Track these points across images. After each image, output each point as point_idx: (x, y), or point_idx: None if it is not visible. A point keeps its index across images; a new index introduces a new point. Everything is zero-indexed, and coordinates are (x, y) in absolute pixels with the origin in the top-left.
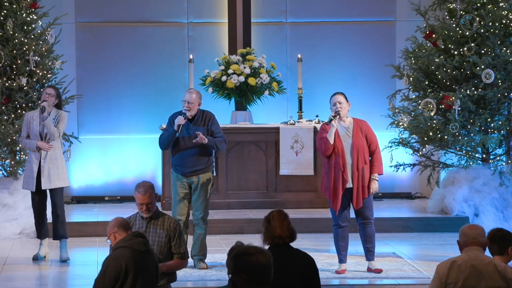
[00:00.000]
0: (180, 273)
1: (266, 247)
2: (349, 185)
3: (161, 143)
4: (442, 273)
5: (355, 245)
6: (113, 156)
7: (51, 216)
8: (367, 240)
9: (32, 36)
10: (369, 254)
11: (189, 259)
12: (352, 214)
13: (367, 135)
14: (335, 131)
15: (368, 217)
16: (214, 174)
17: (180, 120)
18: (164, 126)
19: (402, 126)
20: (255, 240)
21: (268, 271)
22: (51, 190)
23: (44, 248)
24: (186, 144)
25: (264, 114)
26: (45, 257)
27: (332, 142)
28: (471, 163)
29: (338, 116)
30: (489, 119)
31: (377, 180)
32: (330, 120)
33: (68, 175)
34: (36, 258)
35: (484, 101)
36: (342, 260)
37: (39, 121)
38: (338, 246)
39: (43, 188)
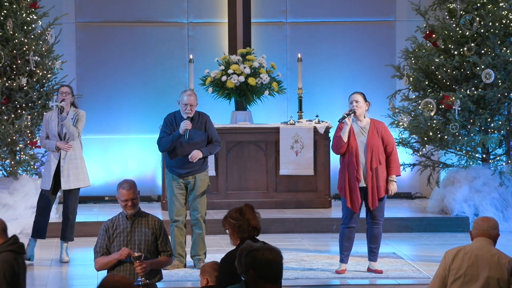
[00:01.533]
0: (180, 273)
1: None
2: (361, 184)
3: (164, 146)
4: (447, 259)
5: (355, 246)
6: (113, 156)
7: (62, 217)
8: (372, 241)
9: (32, 36)
10: (372, 254)
11: (189, 259)
12: (362, 214)
13: (383, 136)
14: (351, 130)
15: (377, 217)
16: (214, 174)
17: (187, 125)
18: None
19: (402, 126)
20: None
21: (275, 268)
22: (66, 191)
23: (31, 249)
24: (183, 146)
25: (264, 114)
26: (29, 259)
27: (345, 140)
28: (471, 163)
29: (352, 114)
30: (489, 119)
31: (395, 182)
32: (343, 118)
33: (88, 175)
34: (28, 259)
35: (484, 101)
36: (343, 260)
37: (58, 121)
38: (342, 245)
39: (62, 188)
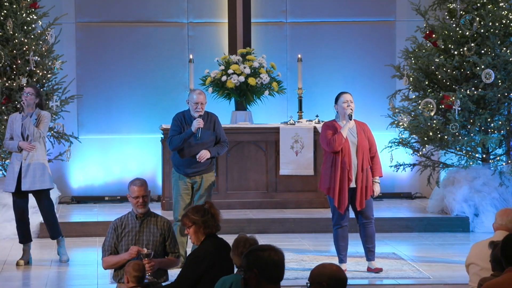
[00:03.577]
0: None
1: (201, 238)
2: (352, 185)
3: (175, 144)
4: (470, 252)
5: (355, 245)
6: (113, 156)
7: (43, 219)
8: (367, 240)
9: (32, 36)
10: (370, 254)
11: None
12: (351, 215)
13: (369, 137)
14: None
15: (369, 217)
16: (215, 174)
17: (200, 123)
18: (164, 126)
19: (402, 126)
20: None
21: (279, 269)
22: (35, 194)
23: (27, 254)
24: (191, 146)
25: (264, 114)
26: (28, 262)
27: (345, 136)
28: (471, 163)
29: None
30: (489, 119)
31: (379, 183)
32: (351, 116)
33: (51, 177)
34: (26, 263)
35: (484, 101)
36: (342, 260)
37: (20, 122)
38: (338, 246)
39: (23, 189)
